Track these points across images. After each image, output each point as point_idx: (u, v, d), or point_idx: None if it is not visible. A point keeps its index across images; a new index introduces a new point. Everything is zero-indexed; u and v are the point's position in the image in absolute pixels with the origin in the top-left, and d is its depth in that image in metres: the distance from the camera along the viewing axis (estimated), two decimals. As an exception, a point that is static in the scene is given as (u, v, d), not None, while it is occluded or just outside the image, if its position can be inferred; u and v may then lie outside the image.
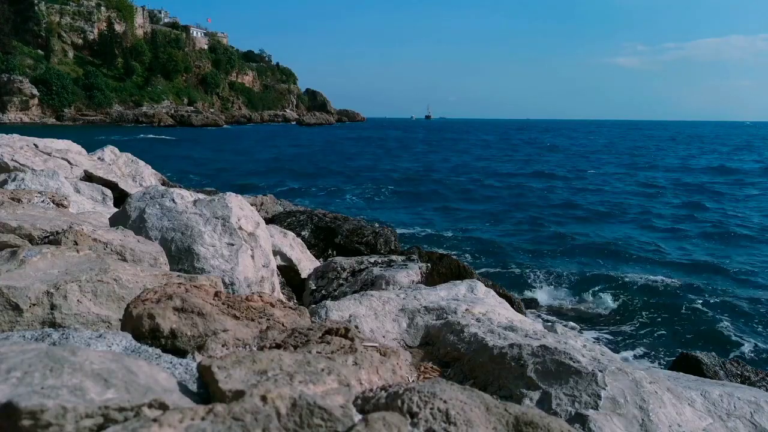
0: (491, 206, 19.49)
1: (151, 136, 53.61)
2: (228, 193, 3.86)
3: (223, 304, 1.64)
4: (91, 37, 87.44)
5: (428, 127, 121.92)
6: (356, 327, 2.42)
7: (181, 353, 1.45)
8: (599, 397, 1.99)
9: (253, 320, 1.61)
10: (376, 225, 8.11)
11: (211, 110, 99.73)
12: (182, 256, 3.27)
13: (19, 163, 6.11)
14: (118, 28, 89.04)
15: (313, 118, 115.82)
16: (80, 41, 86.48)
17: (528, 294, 9.49)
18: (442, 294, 3.25)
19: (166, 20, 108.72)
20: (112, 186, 6.61)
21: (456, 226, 15.82)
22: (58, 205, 3.62)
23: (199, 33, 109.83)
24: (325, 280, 4.93)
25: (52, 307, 1.70)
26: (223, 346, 1.46)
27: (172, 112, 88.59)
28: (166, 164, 22.72)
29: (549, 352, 2.19)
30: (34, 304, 1.67)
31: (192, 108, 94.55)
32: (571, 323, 8.18)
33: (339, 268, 4.93)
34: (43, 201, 3.56)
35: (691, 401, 2.16)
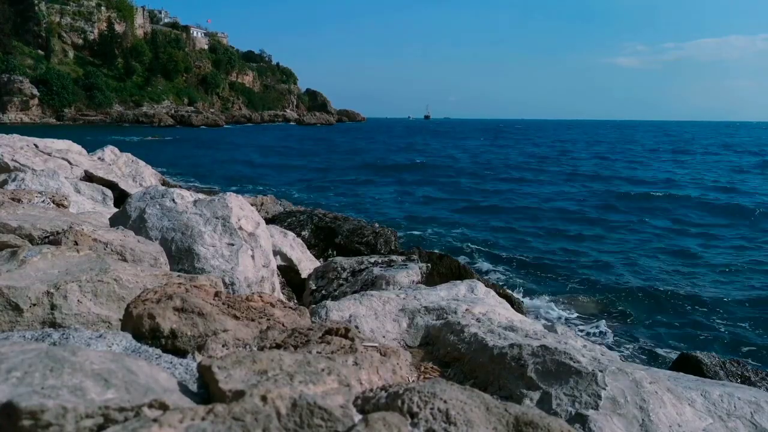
0: (490, 206, 19.52)
1: (151, 136, 53.62)
2: (228, 193, 3.86)
3: (223, 304, 1.64)
4: (92, 37, 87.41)
5: (446, 132, 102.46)
6: (356, 327, 2.42)
7: (181, 353, 1.45)
8: (599, 397, 1.99)
9: (253, 320, 1.61)
10: (376, 225, 8.10)
11: (212, 110, 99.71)
12: (182, 256, 3.27)
13: (20, 163, 6.11)
14: (119, 28, 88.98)
15: (313, 118, 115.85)
16: (80, 41, 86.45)
17: (528, 294, 9.48)
18: (442, 294, 3.25)
19: (166, 20, 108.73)
20: (112, 186, 6.61)
21: (455, 227, 15.85)
22: (58, 205, 3.62)
23: (199, 33, 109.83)
24: (325, 280, 4.92)
25: (53, 307, 1.70)
26: (223, 346, 1.46)
27: (173, 112, 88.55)
28: (166, 164, 22.74)
29: (549, 352, 2.19)
30: (34, 304, 1.67)
31: (192, 108, 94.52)
32: (572, 323, 8.18)
33: (339, 268, 4.93)
34: (43, 201, 3.56)
35: (691, 401, 2.16)
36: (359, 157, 39.35)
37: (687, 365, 5.00)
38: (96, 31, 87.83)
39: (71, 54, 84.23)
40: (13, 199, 3.30)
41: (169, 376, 1.13)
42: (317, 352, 1.35)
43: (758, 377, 4.87)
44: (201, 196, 4.02)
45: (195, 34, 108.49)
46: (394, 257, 5.39)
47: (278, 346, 1.44)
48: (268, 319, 1.64)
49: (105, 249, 2.32)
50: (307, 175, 27.79)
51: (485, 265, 11.47)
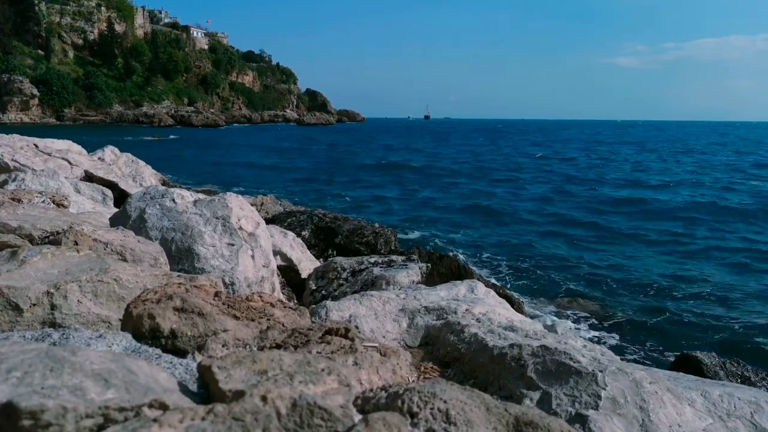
0: (489, 205, 19.53)
1: (151, 136, 53.63)
2: (228, 193, 3.86)
3: (223, 304, 1.64)
4: (92, 37, 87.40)
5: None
6: (356, 327, 2.42)
7: (181, 353, 1.45)
8: (599, 397, 1.99)
9: (253, 320, 1.61)
10: (376, 225, 8.10)
11: (212, 110, 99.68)
12: (182, 256, 3.27)
13: (20, 163, 6.11)
14: (119, 28, 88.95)
15: (313, 118, 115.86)
16: (80, 41, 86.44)
17: (528, 294, 9.48)
18: (442, 294, 3.25)
19: (166, 20, 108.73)
20: (112, 186, 6.61)
21: (456, 226, 15.85)
22: (59, 205, 3.62)
23: (199, 33, 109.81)
24: (325, 280, 4.92)
25: (53, 307, 1.70)
26: (223, 346, 1.46)
27: (173, 112, 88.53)
28: (166, 164, 22.75)
29: (549, 352, 2.19)
30: (34, 304, 1.67)
31: (192, 108, 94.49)
32: (571, 323, 8.18)
33: (339, 268, 4.93)
34: (43, 201, 3.56)
35: (692, 401, 2.16)
36: (359, 157, 39.37)
37: (687, 365, 5.00)
38: (96, 31, 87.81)
39: (71, 54, 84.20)
40: (13, 199, 3.30)
41: (169, 376, 1.13)
42: (317, 352, 1.35)
43: (758, 377, 4.87)
44: (201, 196, 4.02)
45: (195, 34, 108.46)
46: (394, 257, 5.39)
47: (278, 346, 1.44)
48: (268, 319, 1.64)
49: (105, 249, 2.32)
50: (307, 175, 27.82)
51: (485, 266, 11.47)
